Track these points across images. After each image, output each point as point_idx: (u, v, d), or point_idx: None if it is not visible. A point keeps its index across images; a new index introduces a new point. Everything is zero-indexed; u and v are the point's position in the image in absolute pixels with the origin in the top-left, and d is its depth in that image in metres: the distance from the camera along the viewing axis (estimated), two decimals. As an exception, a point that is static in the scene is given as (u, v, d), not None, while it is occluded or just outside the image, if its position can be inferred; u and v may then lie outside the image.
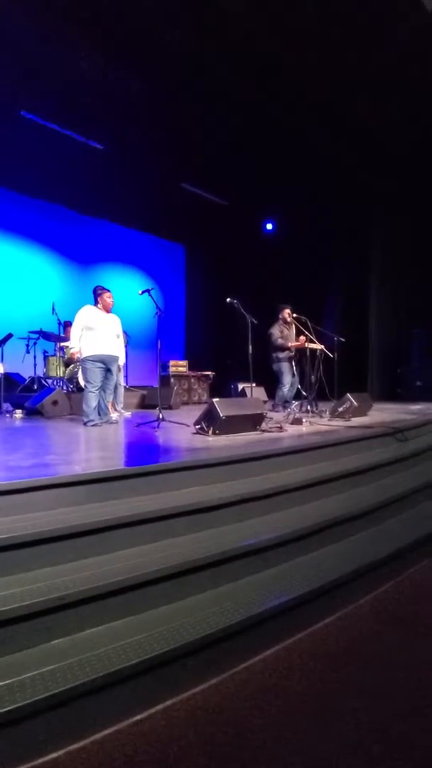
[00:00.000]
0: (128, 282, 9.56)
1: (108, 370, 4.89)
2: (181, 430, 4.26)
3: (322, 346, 6.00)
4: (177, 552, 2.10)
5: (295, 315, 6.24)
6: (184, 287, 10.88)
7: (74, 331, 4.76)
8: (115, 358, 4.96)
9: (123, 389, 6.43)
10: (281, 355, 6.30)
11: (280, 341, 6.30)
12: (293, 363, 6.22)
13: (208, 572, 2.10)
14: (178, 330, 10.67)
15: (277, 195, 9.01)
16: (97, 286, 5.03)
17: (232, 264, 10.14)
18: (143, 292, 4.78)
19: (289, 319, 6.34)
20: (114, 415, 5.29)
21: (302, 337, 6.21)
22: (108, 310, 4.93)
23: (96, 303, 4.92)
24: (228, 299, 5.13)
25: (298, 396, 6.20)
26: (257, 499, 2.62)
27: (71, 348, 4.75)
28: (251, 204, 9.62)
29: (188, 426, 4.37)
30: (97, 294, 4.96)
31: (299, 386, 5.79)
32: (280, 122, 6.69)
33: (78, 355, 4.75)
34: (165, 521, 2.26)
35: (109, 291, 4.96)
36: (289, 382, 6.28)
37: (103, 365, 4.81)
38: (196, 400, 8.80)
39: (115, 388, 5.89)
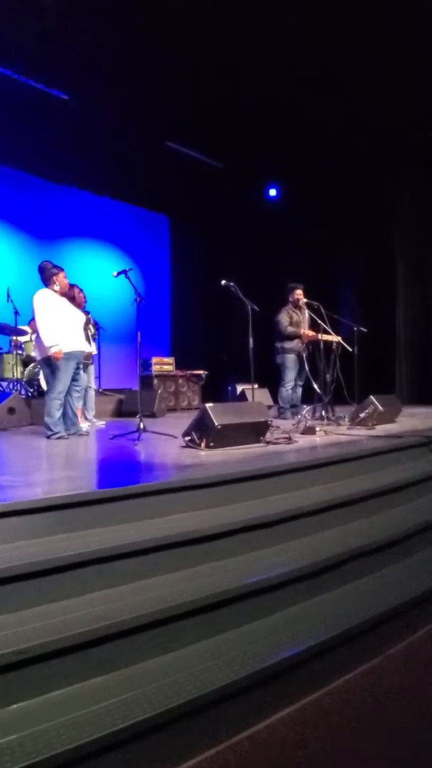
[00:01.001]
0: (101, 262, 9.57)
1: (77, 371, 4.87)
2: (166, 443, 4.29)
3: (339, 338, 6.04)
4: (164, 593, 2.09)
5: (306, 300, 6.26)
6: (170, 268, 10.91)
7: (47, 323, 4.65)
8: (86, 355, 4.95)
9: (94, 393, 6.42)
10: (288, 345, 6.36)
11: (290, 329, 6.34)
12: (303, 358, 6.27)
13: (204, 617, 2.09)
14: (163, 320, 10.69)
15: (282, 155, 9.05)
16: (45, 263, 4.92)
17: (227, 239, 10.19)
18: (119, 273, 4.79)
19: (300, 303, 6.39)
20: (84, 426, 5.30)
21: (308, 331, 6.23)
22: (65, 292, 4.91)
23: (48, 284, 4.85)
24: (223, 282, 5.16)
25: (310, 399, 6.21)
26: (263, 527, 2.63)
27: (54, 346, 4.61)
28: (251, 166, 9.67)
29: (175, 438, 4.41)
30: (50, 274, 4.85)
31: (315, 386, 5.79)
32: (289, 60, 6.54)
33: (62, 355, 4.63)
34: (148, 555, 2.25)
35: (62, 269, 4.89)
36: (291, 380, 6.35)
37: (76, 365, 4.79)
38: (185, 406, 8.83)
39: (85, 391, 5.88)
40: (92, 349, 6.15)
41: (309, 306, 6.24)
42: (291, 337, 6.33)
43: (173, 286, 10.85)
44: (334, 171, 8.89)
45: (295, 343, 6.31)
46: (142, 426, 4.61)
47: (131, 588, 2.14)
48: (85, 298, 6.03)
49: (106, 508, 2.43)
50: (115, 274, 4.82)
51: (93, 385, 6.34)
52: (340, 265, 9.65)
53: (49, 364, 4.69)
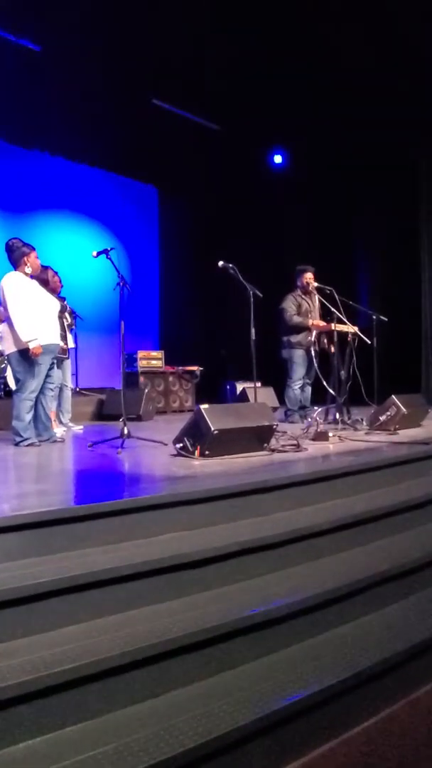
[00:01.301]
0: (78, 240, 9.57)
1: (50, 367, 4.87)
2: (155, 451, 4.32)
3: (356, 329, 6.04)
4: (149, 627, 2.08)
5: (317, 284, 6.25)
6: (159, 247, 10.92)
7: (21, 312, 4.62)
8: (61, 349, 4.94)
9: (70, 393, 6.41)
10: (296, 338, 6.36)
11: (297, 319, 6.35)
12: (313, 352, 6.28)
13: (195, 655, 2.08)
14: (151, 307, 10.70)
15: (289, 116, 9.05)
16: (13, 241, 4.90)
17: (226, 214, 10.21)
18: (99, 253, 4.79)
19: (310, 288, 6.38)
20: (59, 431, 5.30)
21: (318, 321, 6.23)
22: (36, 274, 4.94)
23: (18, 266, 4.84)
24: (220, 263, 5.15)
25: (322, 399, 6.23)
26: (265, 549, 2.63)
27: (33, 341, 4.58)
28: (253, 128, 9.68)
29: (165, 445, 4.43)
30: (20, 253, 4.83)
31: (326, 385, 5.80)
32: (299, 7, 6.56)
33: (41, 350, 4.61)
34: (132, 583, 2.25)
35: (34, 249, 4.88)
36: (300, 378, 6.37)
37: (51, 360, 4.79)
38: (176, 408, 8.85)
39: (60, 391, 5.87)
40: (68, 341, 6.14)
41: (320, 291, 6.24)
42: (299, 329, 6.33)
43: (163, 269, 10.86)
44: (350, 135, 8.89)
45: (303, 336, 6.32)
46: (126, 431, 4.60)
47: (111, 622, 2.13)
48: (60, 282, 6.02)
49: (84, 527, 2.43)
50: (94, 254, 4.80)
51: (69, 383, 6.33)
52: (358, 245, 9.66)
53: (22, 359, 4.66)
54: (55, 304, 5.05)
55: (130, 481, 3.30)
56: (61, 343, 5.29)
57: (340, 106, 8.53)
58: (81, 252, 8.81)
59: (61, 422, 5.99)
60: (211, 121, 9.83)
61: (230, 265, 5.12)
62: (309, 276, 6.45)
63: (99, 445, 4.66)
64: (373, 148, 8.91)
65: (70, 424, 6.21)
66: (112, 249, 4.81)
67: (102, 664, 1.89)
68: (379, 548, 2.99)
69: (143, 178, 10.36)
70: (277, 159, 10.59)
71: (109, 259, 4.74)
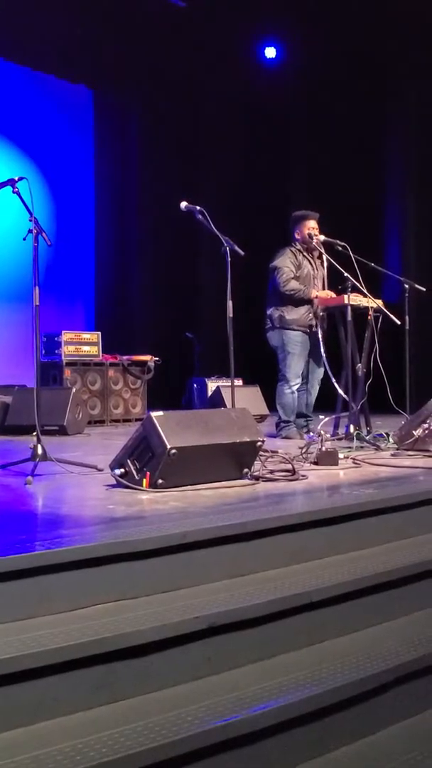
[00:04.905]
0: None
1: None
2: (84, 480, 4.33)
3: (380, 302, 6.06)
4: (70, 746, 2.06)
5: (324, 238, 6.19)
6: (94, 179, 10.86)
7: None
8: None
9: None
10: (291, 314, 6.37)
11: (293, 285, 6.34)
12: (317, 337, 6.28)
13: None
14: (83, 268, 10.67)
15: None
16: None
17: (194, 132, 10.16)
18: (1, 185, 4.74)
19: (315, 242, 6.38)
20: None
21: (325, 292, 6.22)
22: None
23: None
24: (184, 205, 5.17)
25: (329, 404, 6.26)
26: (243, 627, 2.63)
27: None
28: (235, 8, 9.61)
29: (100, 471, 4.46)
30: None
31: (335, 385, 5.82)
32: None
33: None
34: (40, 681, 2.23)
35: None
36: (298, 374, 6.39)
37: None
38: (119, 415, 8.84)
39: None
40: None
41: (329, 248, 6.25)
42: (296, 301, 6.34)
43: (101, 212, 10.80)
44: (371, 23, 8.92)
45: (303, 312, 6.34)
46: (40, 451, 4.56)
47: (8, 739, 2.11)
48: None
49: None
50: (-6, 186, 4.75)
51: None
52: (387, 179, 9.68)
53: None
54: None
55: (44, 525, 3.27)
56: None
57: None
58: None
59: None
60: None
61: (198, 208, 5.10)
62: (312, 225, 6.43)
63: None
64: (405, 43, 8.98)
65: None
66: (21, 179, 4.78)
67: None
68: (411, 625, 2.98)
69: (70, 76, 10.29)
70: (270, 53, 10.58)
71: (17, 193, 4.72)
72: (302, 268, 6.40)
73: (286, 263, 6.35)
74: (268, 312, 6.43)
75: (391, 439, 5.47)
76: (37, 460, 4.53)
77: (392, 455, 5.11)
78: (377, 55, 9.25)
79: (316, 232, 6.40)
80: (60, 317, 9.38)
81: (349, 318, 5.86)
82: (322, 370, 6.39)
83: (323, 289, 6.41)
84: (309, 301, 6.30)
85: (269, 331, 6.47)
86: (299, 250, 6.47)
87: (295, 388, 6.40)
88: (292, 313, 6.34)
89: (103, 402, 8.73)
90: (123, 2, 9.55)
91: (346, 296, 5.90)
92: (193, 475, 3.90)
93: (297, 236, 6.51)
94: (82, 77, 10.42)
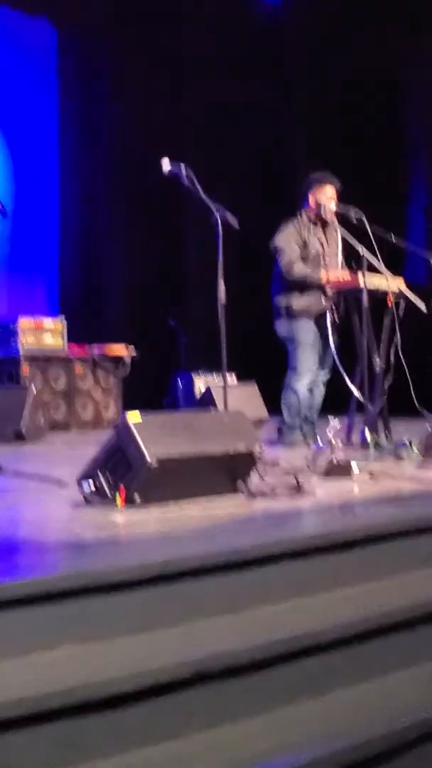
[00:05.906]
0: None
1: None
2: (45, 497, 4.37)
3: (402, 285, 6.07)
4: None
5: (338, 208, 6.26)
6: (58, 135, 10.84)
7: None
8: None
9: None
10: (300, 301, 6.36)
11: (298, 270, 6.35)
12: (328, 327, 6.23)
13: None
14: (44, 242, 10.66)
15: None
16: None
17: (179, 79, 10.21)
18: None
19: (328, 214, 6.27)
20: None
21: (339, 273, 6.09)
22: None
23: None
24: (166, 164, 5.10)
25: (341, 406, 6.24)
26: (235, 675, 2.60)
27: None
28: None
29: (65, 485, 4.44)
30: None
31: (349, 383, 5.89)
32: None
33: None
34: None
35: None
36: (310, 369, 6.37)
37: None
38: (88, 419, 8.84)
39: None
40: None
41: (343, 219, 6.19)
42: (304, 285, 6.25)
43: (66, 174, 10.79)
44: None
45: (313, 298, 6.27)
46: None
47: None
48: None
49: None
50: None
51: None
52: (411, 139, 9.59)
53: None
54: None
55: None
56: None
57: None
58: None
59: None
60: None
61: (183, 170, 4.99)
62: (330, 193, 6.33)
63: None
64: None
65: None
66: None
67: None
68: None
69: (29, 7, 10.14)
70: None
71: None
72: (309, 247, 6.33)
73: (287, 243, 6.31)
74: (274, 299, 6.41)
75: (415, 448, 5.41)
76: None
77: (417, 468, 5.09)
78: (387, 35, 9.30)
79: (329, 201, 6.31)
80: (16, 301, 9.29)
81: (366, 304, 5.77)
82: (328, 369, 6.37)
83: (337, 268, 6.30)
84: (321, 286, 6.20)
85: (276, 320, 6.47)
86: (306, 223, 6.42)
87: (307, 383, 6.39)
88: (301, 301, 6.32)
89: (68, 404, 8.69)
90: None
91: (361, 276, 5.82)
92: (178, 490, 3.90)
93: (309, 202, 6.44)
94: (44, 8, 10.25)
